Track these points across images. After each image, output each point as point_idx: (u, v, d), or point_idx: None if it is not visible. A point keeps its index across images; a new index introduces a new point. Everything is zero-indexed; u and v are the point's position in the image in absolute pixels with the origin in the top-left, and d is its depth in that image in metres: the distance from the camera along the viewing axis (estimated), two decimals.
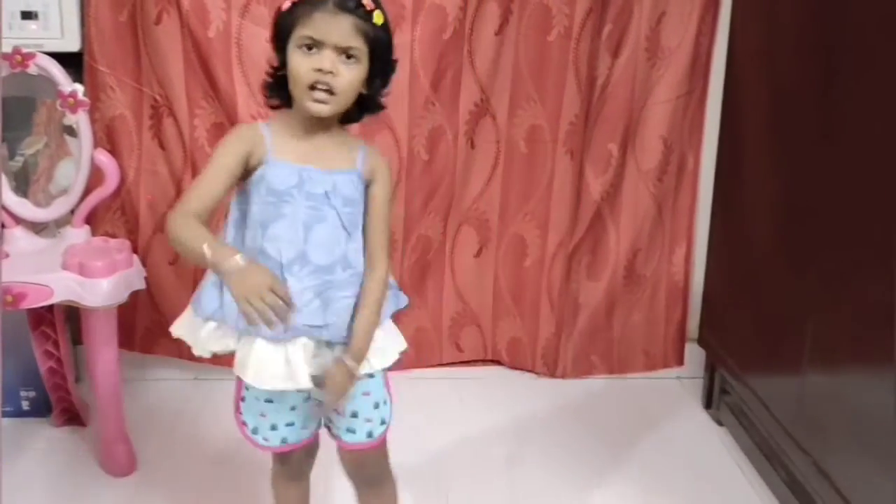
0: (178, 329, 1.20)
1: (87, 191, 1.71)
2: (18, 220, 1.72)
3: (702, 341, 2.00)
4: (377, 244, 1.16)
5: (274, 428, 1.23)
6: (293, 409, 1.22)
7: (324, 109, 1.08)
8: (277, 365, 1.11)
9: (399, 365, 1.24)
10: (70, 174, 1.72)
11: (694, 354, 2.07)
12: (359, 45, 1.07)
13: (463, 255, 2.09)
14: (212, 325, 1.15)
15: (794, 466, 1.53)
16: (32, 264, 1.61)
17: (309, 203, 1.10)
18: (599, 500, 1.63)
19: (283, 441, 1.24)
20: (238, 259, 1.00)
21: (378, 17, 1.08)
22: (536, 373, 2.13)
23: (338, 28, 1.06)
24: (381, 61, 1.11)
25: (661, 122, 1.96)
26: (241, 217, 1.12)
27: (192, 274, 1.96)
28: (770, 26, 1.69)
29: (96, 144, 1.74)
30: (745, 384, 1.74)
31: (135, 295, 1.67)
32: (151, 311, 1.98)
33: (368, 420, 1.22)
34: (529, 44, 1.91)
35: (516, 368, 2.14)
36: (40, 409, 1.85)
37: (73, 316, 1.78)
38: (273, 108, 1.17)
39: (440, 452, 1.77)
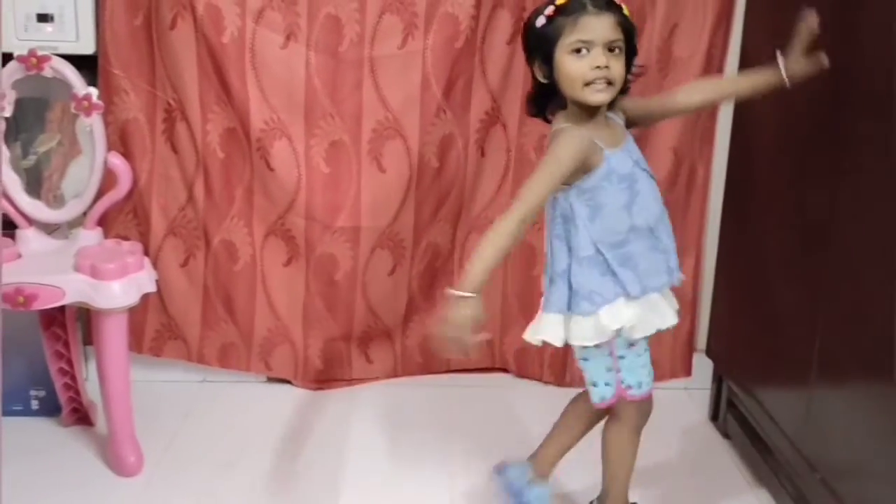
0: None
1: (100, 193, 1.73)
2: (31, 222, 1.73)
3: (710, 352, 2.00)
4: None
5: (651, 373, 1.41)
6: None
7: (605, 97, 1.23)
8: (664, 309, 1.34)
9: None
10: (82, 173, 1.73)
11: (702, 365, 2.06)
12: (620, 37, 1.23)
13: None
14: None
15: (800, 481, 1.52)
16: (44, 266, 1.62)
17: (642, 173, 1.29)
18: None
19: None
20: (468, 293, 1.20)
21: (626, 10, 1.25)
22: (544, 381, 2.12)
23: (602, 27, 1.21)
24: (632, 47, 1.26)
25: (671, 132, 1.96)
26: (594, 210, 1.26)
27: (202, 277, 1.98)
28: (782, 37, 1.69)
29: (109, 147, 1.76)
30: (753, 396, 1.74)
31: (145, 297, 1.68)
32: (161, 314, 1.99)
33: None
34: None
35: (524, 377, 2.14)
36: (50, 408, 1.86)
37: (83, 316, 1.79)
38: (535, 117, 1.35)
39: (447, 459, 1.77)
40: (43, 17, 1.79)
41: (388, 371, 2.11)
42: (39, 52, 1.66)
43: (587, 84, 1.22)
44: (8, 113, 1.68)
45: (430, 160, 1.94)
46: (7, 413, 1.80)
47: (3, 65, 1.61)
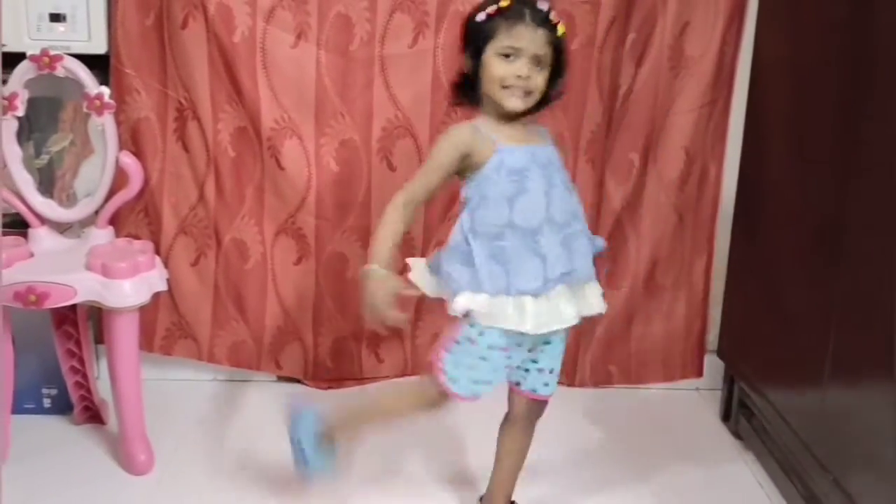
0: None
1: (112, 192, 1.73)
2: (43, 221, 1.74)
3: (721, 353, 1.99)
4: None
5: (476, 383, 1.36)
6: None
7: (519, 105, 1.30)
8: (542, 313, 1.30)
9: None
10: (95, 173, 1.74)
11: (713, 366, 2.05)
12: (548, 53, 1.29)
13: None
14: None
15: (813, 483, 1.51)
16: (56, 264, 1.63)
17: (543, 173, 1.31)
18: None
19: (475, 396, 1.36)
20: (374, 268, 1.28)
21: (561, 30, 1.30)
22: None
23: (534, 39, 1.28)
24: (559, 65, 1.33)
25: (683, 131, 1.95)
26: (479, 200, 1.30)
27: (212, 276, 1.98)
28: (795, 36, 1.68)
29: (121, 146, 1.76)
30: (765, 397, 1.73)
31: (156, 296, 1.69)
32: (172, 313, 1.99)
33: (552, 372, 1.43)
34: None
35: None
36: (62, 406, 1.87)
37: (94, 314, 1.80)
38: (456, 105, 1.42)
39: (454, 458, 1.77)
40: (55, 17, 1.79)
41: (398, 370, 2.10)
42: (52, 52, 1.67)
43: (505, 87, 1.29)
44: (21, 112, 1.69)
45: None
46: (19, 411, 1.80)
47: (5, 64, 1.61)
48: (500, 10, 1.29)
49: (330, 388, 2.06)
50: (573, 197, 1.36)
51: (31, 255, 1.68)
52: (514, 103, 1.29)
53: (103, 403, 1.86)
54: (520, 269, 1.28)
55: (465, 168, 1.32)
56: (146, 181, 1.87)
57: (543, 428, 1.90)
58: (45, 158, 1.76)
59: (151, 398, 1.75)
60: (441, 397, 1.36)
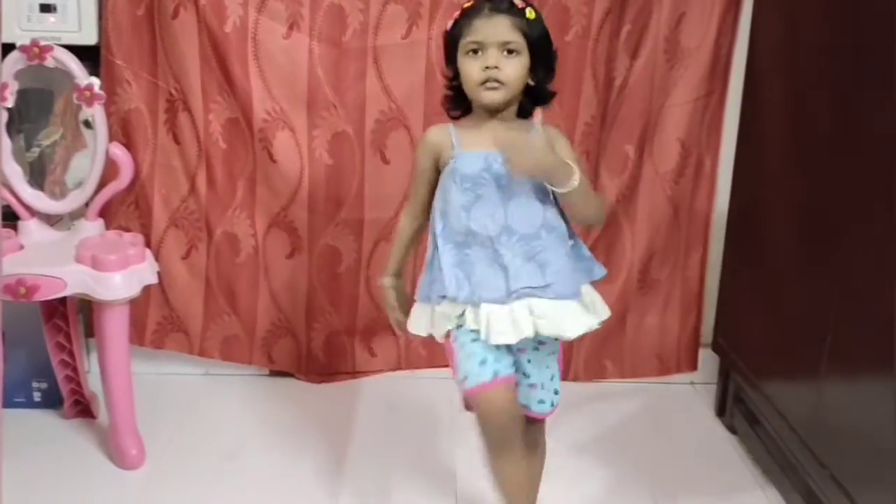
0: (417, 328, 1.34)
1: (102, 184, 1.72)
2: (33, 213, 1.73)
3: (716, 347, 1.98)
4: (580, 199, 1.27)
5: (483, 363, 1.26)
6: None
7: (496, 96, 1.23)
8: (504, 322, 1.23)
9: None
10: (85, 166, 1.72)
11: (708, 360, 2.05)
12: (517, 40, 1.22)
13: None
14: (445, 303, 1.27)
15: (809, 477, 1.50)
16: (46, 257, 1.61)
17: (500, 182, 1.24)
18: None
19: (495, 374, 1.26)
20: (385, 280, 1.40)
21: (530, 14, 1.23)
22: None
23: (495, 28, 1.21)
24: (540, 52, 1.24)
25: (678, 124, 1.94)
26: (444, 205, 1.28)
27: (204, 269, 1.97)
28: (791, 28, 1.67)
29: (111, 138, 1.75)
30: (760, 391, 1.72)
31: (147, 289, 1.68)
32: (163, 306, 1.98)
33: (555, 392, 1.37)
34: None
35: None
36: (52, 400, 1.86)
37: (84, 308, 1.78)
38: (456, 119, 1.32)
39: (450, 452, 1.76)
40: (46, 8, 1.78)
41: (391, 364, 2.09)
42: (42, 43, 1.65)
43: (480, 84, 1.23)
44: (10, 103, 1.67)
45: None
46: (9, 405, 1.79)
47: (2, 55, 1.60)
48: (463, 12, 1.25)
49: (322, 381, 2.05)
50: (548, 208, 1.26)
51: (21, 247, 1.67)
52: (490, 97, 1.23)
53: (94, 397, 1.84)
54: (482, 282, 1.23)
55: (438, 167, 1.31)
56: (136, 173, 1.85)
57: None
58: (35, 152, 1.75)
59: (143, 392, 1.73)
60: (482, 412, 1.28)
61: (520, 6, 1.24)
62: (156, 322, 1.99)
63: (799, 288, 1.57)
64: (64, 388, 1.82)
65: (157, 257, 1.82)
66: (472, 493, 1.63)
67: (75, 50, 1.69)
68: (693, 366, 2.11)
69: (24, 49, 1.65)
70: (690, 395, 2.07)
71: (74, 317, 1.78)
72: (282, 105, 1.85)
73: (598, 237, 2.00)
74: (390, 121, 1.89)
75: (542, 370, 1.34)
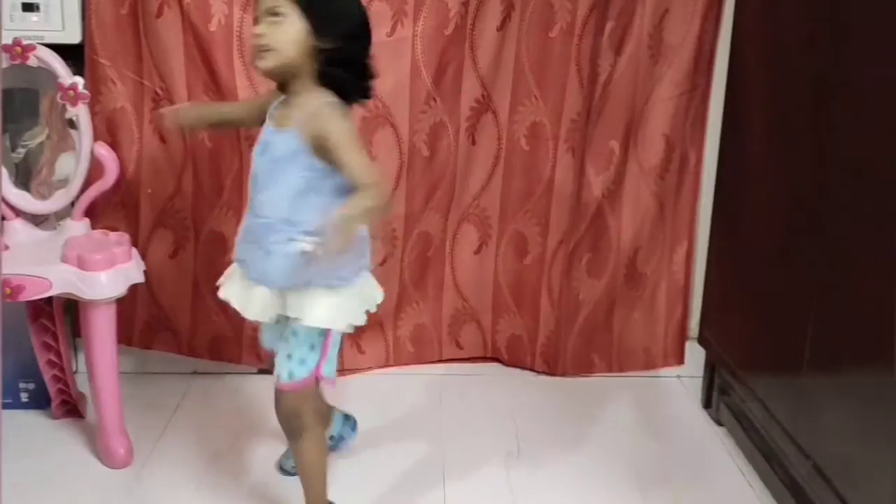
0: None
1: (88, 184, 1.71)
2: (18, 213, 1.72)
3: (702, 340, 1.99)
4: (351, 177, 1.23)
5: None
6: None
7: (261, 63, 1.23)
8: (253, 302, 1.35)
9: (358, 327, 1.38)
10: (72, 167, 1.71)
11: (694, 353, 2.06)
12: (277, 4, 1.20)
13: (463, 252, 2.08)
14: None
15: (793, 468, 1.52)
16: (31, 257, 1.61)
17: (264, 158, 1.28)
18: (596, 499, 1.62)
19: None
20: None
21: None
22: (536, 370, 2.12)
23: None
24: (319, 16, 1.21)
25: (663, 119, 1.95)
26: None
27: (191, 269, 1.96)
28: (774, 24, 1.68)
29: (97, 137, 1.74)
30: (745, 384, 1.73)
31: (134, 289, 1.67)
32: (150, 306, 1.98)
33: (280, 365, 1.36)
34: (531, 40, 1.90)
35: (516, 366, 2.14)
36: (39, 401, 1.85)
37: (72, 308, 1.78)
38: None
39: (438, 449, 1.77)
40: (28, 7, 1.77)
41: (380, 361, 2.10)
42: (24, 42, 1.64)
43: (256, 55, 1.24)
44: None
45: (420, 148, 1.93)
46: None
47: None
48: None
49: None
50: (305, 199, 1.26)
51: (6, 247, 1.66)
52: (259, 64, 1.24)
53: (81, 397, 1.84)
54: (246, 258, 1.36)
55: None
56: (122, 172, 1.85)
57: (526, 417, 1.91)
58: (21, 152, 1.74)
59: (131, 391, 1.73)
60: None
61: None
62: (143, 321, 1.99)
63: (782, 281, 1.58)
64: (51, 389, 1.81)
65: (144, 257, 1.81)
66: (462, 490, 1.63)
67: (59, 49, 1.68)
68: (680, 359, 2.12)
69: (6, 48, 1.63)
70: (677, 388, 2.09)
71: (61, 317, 1.77)
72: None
73: (584, 233, 2.01)
74: (376, 118, 1.89)
75: (286, 340, 1.40)
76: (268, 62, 1.23)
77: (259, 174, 1.31)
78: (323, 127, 1.23)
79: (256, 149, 1.32)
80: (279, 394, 1.37)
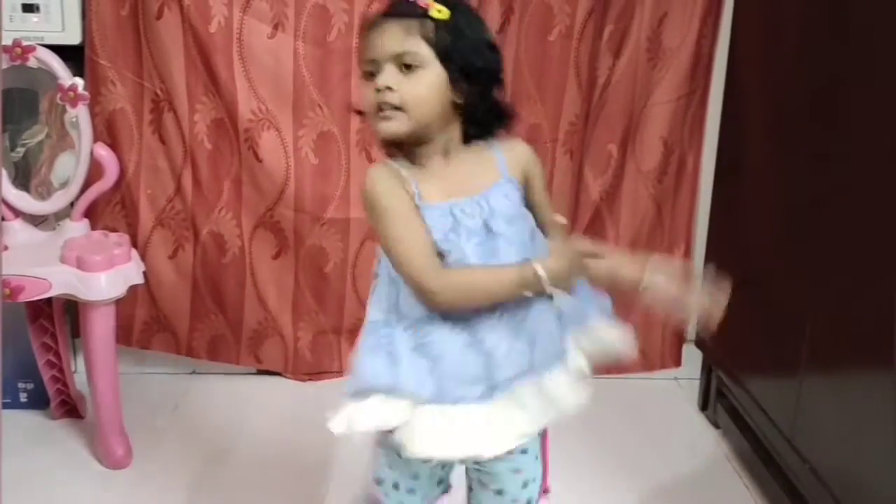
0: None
1: (87, 184, 1.71)
2: (18, 213, 1.72)
3: (699, 343, 2.00)
4: (549, 217, 1.03)
5: (411, 491, 1.08)
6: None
7: (392, 126, 0.94)
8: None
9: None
10: (71, 166, 1.72)
11: (691, 356, 2.06)
12: (415, 49, 0.93)
13: None
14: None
15: (790, 471, 1.52)
16: (31, 257, 1.61)
17: (474, 241, 0.95)
18: (593, 500, 1.63)
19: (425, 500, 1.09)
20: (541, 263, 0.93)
21: (437, 12, 0.94)
22: None
23: (387, 39, 0.94)
24: (460, 61, 0.94)
25: (661, 122, 1.96)
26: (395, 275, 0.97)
27: (190, 269, 1.96)
28: (772, 28, 1.69)
29: (96, 138, 1.74)
30: (742, 387, 1.74)
31: (133, 290, 1.68)
32: (150, 307, 1.98)
33: (515, 501, 1.07)
34: (530, 43, 1.91)
35: None
36: (38, 401, 1.85)
37: (71, 308, 1.78)
38: (391, 157, 1.02)
39: None
40: (28, 8, 1.77)
41: None
42: (24, 43, 1.64)
43: (375, 113, 0.95)
44: None
45: None
46: None
47: None
48: (362, 25, 0.99)
49: (309, 381, 2.05)
50: (535, 247, 0.99)
51: (6, 248, 1.66)
52: (384, 128, 0.95)
53: (80, 397, 1.84)
54: (457, 374, 0.95)
55: None
56: (122, 173, 1.85)
57: None
58: (20, 152, 1.74)
59: (130, 392, 1.74)
60: None
61: (422, 4, 0.94)
62: (143, 322, 1.99)
63: (779, 284, 1.59)
64: (50, 389, 1.81)
65: (143, 257, 1.82)
66: (462, 490, 1.64)
67: (59, 50, 1.68)
68: (677, 362, 2.13)
69: (6, 49, 1.64)
70: (674, 391, 2.09)
71: (60, 317, 1.77)
72: (267, 105, 1.85)
73: (582, 235, 2.01)
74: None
75: (511, 476, 1.07)
76: (396, 126, 0.94)
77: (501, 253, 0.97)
78: (533, 165, 1.02)
79: (455, 247, 0.95)
80: None
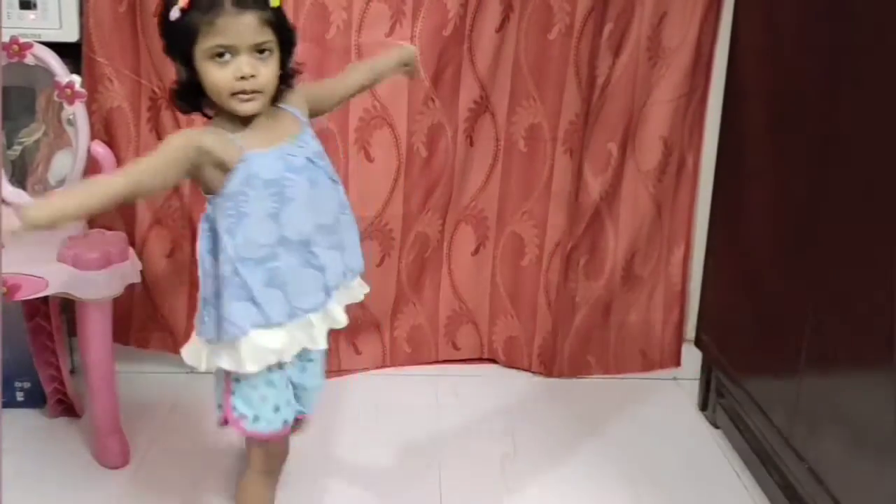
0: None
1: None
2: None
3: (699, 343, 2.00)
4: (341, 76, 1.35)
5: (276, 410, 1.24)
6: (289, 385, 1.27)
7: (253, 107, 1.11)
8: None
9: None
10: (68, 164, 1.71)
11: (691, 355, 2.06)
12: (269, 38, 1.10)
13: (460, 253, 2.08)
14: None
15: (789, 471, 1.52)
16: (27, 256, 1.60)
17: (304, 176, 1.16)
18: (592, 500, 1.63)
19: (285, 423, 1.26)
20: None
21: (276, 1, 1.10)
22: (532, 372, 2.12)
23: (246, 28, 1.07)
24: (287, 42, 1.14)
25: (661, 121, 1.95)
26: (235, 220, 1.12)
27: (187, 268, 1.96)
28: (772, 26, 1.68)
29: (93, 136, 1.73)
30: (741, 387, 1.74)
31: (130, 288, 1.67)
32: (147, 305, 1.97)
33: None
34: (530, 42, 1.90)
35: (512, 367, 2.14)
36: (35, 400, 1.85)
37: (68, 307, 1.78)
38: (185, 113, 1.23)
39: (435, 450, 1.77)
40: (25, 4, 1.76)
41: (377, 362, 2.10)
42: (21, 40, 1.63)
43: (233, 94, 1.09)
44: None
45: (418, 149, 1.93)
46: None
47: None
48: (192, 2, 1.06)
49: None
50: (338, 187, 1.23)
51: (3, 246, 1.65)
52: (248, 108, 1.10)
53: (77, 396, 1.83)
54: (300, 290, 1.16)
55: (206, 179, 1.12)
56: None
57: (523, 418, 1.91)
58: (17, 150, 1.73)
59: (127, 391, 1.73)
60: (262, 451, 1.28)
61: None
62: (140, 321, 1.99)
63: (779, 284, 1.59)
64: (47, 388, 1.81)
65: (140, 256, 1.82)
66: (458, 490, 1.63)
67: (56, 47, 1.67)
68: (676, 361, 2.12)
69: (3, 46, 1.63)
70: (674, 391, 2.09)
71: (57, 316, 1.77)
72: None
73: (581, 235, 2.01)
74: (374, 119, 1.89)
75: (318, 371, 1.32)
76: (258, 104, 1.11)
77: (321, 190, 1.20)
78: (310, 90, 1.26)
79: (293, 182, 1.15)
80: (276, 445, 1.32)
